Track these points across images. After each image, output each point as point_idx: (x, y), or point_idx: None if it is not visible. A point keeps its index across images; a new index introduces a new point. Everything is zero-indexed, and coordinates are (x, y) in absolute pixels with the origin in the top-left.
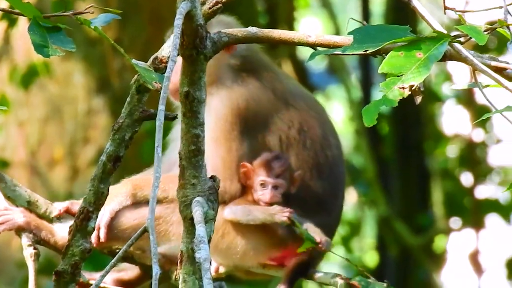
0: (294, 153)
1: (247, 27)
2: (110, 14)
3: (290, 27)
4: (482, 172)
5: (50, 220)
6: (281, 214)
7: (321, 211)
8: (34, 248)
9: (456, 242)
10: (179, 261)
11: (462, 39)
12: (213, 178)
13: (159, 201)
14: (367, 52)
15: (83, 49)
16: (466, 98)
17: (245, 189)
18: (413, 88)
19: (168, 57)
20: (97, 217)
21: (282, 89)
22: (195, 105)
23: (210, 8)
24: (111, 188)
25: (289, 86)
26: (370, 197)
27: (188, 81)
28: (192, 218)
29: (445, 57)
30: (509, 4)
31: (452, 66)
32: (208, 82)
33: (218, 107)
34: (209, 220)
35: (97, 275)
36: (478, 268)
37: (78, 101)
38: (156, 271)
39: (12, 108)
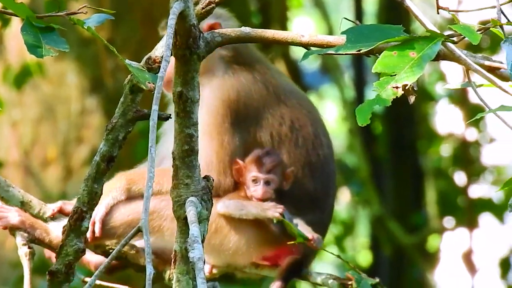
0: (286, 150)
1: (240, 26)
2: (103, 14)
3: (283, 27)
4: (475, 171)
5: (44, 221)
6: (274, 210)
7: (314, 208)
8: (29, 247)
9: (450, 241)
10: (172, 261)
11: (455, 39)
12: (206, 178)
13: (153, 194)
14: (361, 51)
15: (76, 49)
16: (459, 97)
17: (238, 185)
18: (406, 88)
19: (161, 57)
20: (90, 217)
21: (274, 84)
22: (189, 105)
23: (203, 8)
24: (105, 183)
25: (282, 82)
26: (364, 196)
27: (181, 81)
28: (185, 218)
29: (439, 57)
30: (503, 4)
31: (445, 65)
32: (199, 73)
33: (209, 98)
34: (202, 220)
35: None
36: (471, 268)
37: (71, 101)
38: (150, 271)
39: (5, 108)
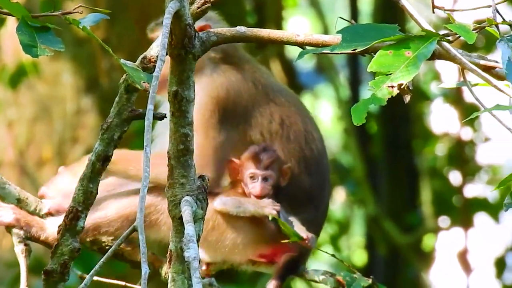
0: (279, 146)
1: (235, 26)
2: (99, 14)
3: (278, 27)
4: (470, 170)
5: (41, 217)
6: (271, 207)
7: (309, 205)
8: (25, 245)
9: (445, 241)
10: (168, 260)
11: (450, 38)
12: (201, 177)
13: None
14: (356, 51)
15: (71, 49)
16: (454, 96)
17: (234, 184)
18: (401, 87)
19: (157, 56)
20: (86, 216)
21: (263, 83)
22: (184, 104)
23: (198, 7)
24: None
25: (270, 81)
26: (359, 196)
27: (176, 81)
28: (181, 218)
29: (434, 56)
30: (498, 3)
31: (440, 64)
32: None
33: (198, 95)
34: (197, 219)
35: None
36: (466, 267)
37: (66, 100)
38: (145, 270)
39: (0, 108)
